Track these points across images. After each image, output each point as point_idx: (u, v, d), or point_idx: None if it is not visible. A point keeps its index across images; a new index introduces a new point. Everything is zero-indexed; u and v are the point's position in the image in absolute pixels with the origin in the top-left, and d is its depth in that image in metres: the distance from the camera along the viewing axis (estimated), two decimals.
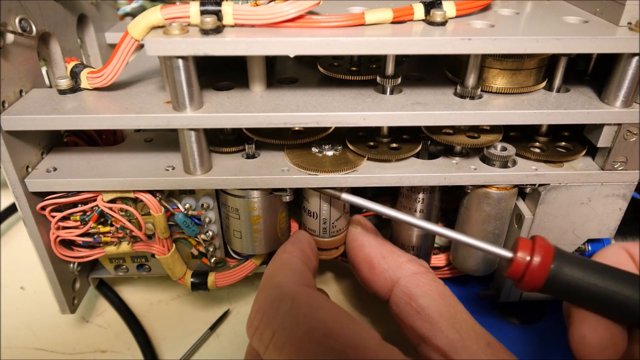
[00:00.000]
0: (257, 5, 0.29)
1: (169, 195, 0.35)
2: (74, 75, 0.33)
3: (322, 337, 0.24)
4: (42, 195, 0.34)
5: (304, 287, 0.28)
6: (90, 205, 0.34)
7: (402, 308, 0.30)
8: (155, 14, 0.28)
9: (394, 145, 0.35)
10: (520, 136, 0.37)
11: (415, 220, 0.32)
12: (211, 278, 0.39)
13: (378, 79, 0.33)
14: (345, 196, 0.33)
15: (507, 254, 0.29)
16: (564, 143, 0.36)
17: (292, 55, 0.41)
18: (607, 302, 0.27)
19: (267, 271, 0.30)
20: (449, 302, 0.29)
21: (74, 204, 0.34)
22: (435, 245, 0.42)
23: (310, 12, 0.29)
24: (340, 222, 0.37)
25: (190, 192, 0.36)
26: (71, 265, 0.38)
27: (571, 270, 0.27)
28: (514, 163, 0.35)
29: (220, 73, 0.36)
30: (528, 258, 0.28)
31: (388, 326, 0.25)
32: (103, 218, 0.35)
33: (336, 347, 0.24)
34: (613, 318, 0.28)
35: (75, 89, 0.33)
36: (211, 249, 0.38)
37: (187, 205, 0.35)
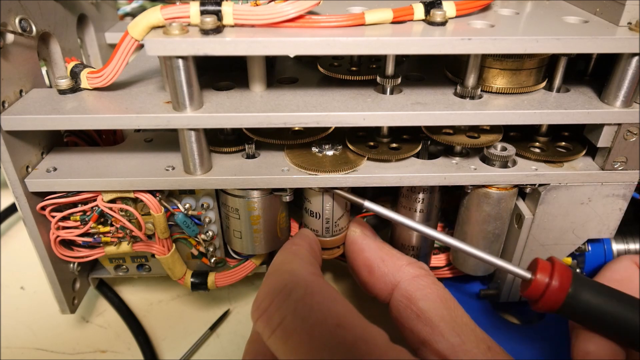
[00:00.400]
0: (257, 5, 0.29)
1: (169, 195, 0.35)
2: (74, 75, 0.33)
3: (335, 327, 0.24)
4: (42, 195, 0.34)
5: (317, 277, 0.27)
6: (90, 205, 0.34)
7: (402, 311, 0.29)
8: (155, 14, 0.28)
9: (394, 145, 0.35)
10: (520, 136, 0.37)
11: (447, 238, 0.32)
12: (211, 278, 0.39)
13: (378, 79, 0.33)
14: (368, 204, 0.33)
15: (527, 274, 0.29)
16: (564, 143, 0.36)
17: (292, 55, 0.41)
18: (619, 329, 0.28)
19: (277, 259, 0.30)
20: (449, 305, 0.28)
21: (74, 204, 0.34)
22: (435, 245, 0.42)
23: (310, 12, 0.29)
24: (342, 220, 0.37)
25: (190, 192, 0.36)
26: (71, 265, 0.38)
27: (587, 295, 0.28)
28: (514, 163, 0.35)
29: (220, 73, 0.36)
30: (547, 280, 0.28)
31: (387, 329, 0.25)
32: (103, 218, 0.35)
33: (347, 339, 0.23)
34: (621, 342, 0.28)
35: (75, 89, 0.33)
36: (211, 249, 0.38)
37: (187, 205, 0.35)
